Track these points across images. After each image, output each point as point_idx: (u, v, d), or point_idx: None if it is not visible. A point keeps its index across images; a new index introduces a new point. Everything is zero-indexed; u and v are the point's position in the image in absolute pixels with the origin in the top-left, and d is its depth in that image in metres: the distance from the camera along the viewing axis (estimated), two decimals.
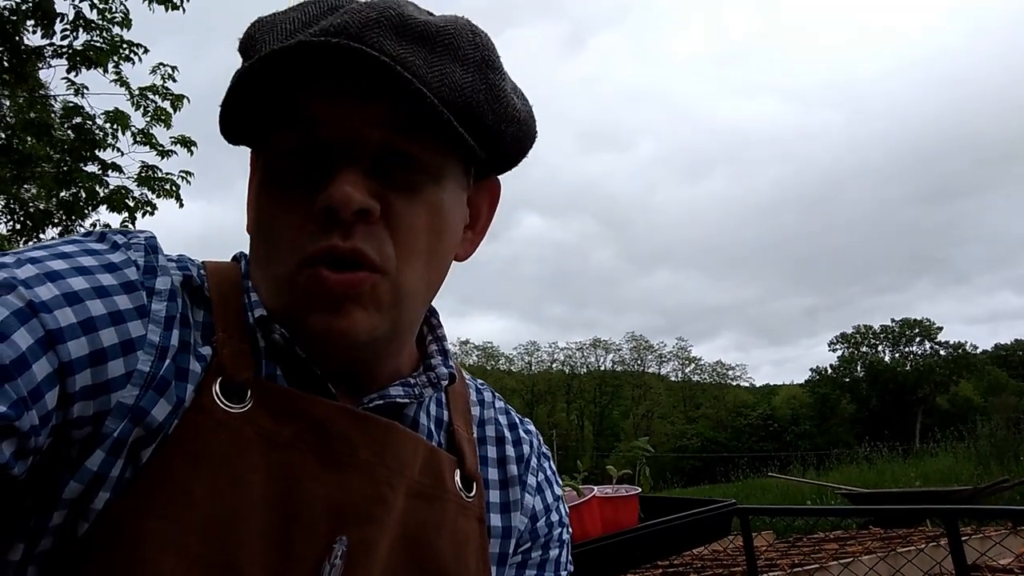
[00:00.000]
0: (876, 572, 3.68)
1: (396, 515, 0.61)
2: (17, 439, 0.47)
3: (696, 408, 64.42)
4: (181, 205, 7.51)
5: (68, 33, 6.60)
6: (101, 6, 6.77)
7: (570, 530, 0.84)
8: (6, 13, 6.18)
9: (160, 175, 7.30)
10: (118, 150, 7.24)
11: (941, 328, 59.26)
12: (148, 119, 7.31)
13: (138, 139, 7.28)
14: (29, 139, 6.91)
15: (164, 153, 7.35)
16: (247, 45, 0.64)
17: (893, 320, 60.50)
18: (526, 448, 0.80)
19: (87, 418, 0.51)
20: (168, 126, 7.37)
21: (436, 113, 0.56)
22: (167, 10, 6.92)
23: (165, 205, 7.47)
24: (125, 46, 6.94)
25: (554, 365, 67.34)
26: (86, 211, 7.22)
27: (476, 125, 0.62)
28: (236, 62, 0.63)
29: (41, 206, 7.44)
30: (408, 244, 0.60)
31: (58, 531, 0.50)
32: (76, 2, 6.63)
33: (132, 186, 7.25)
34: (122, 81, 7.15)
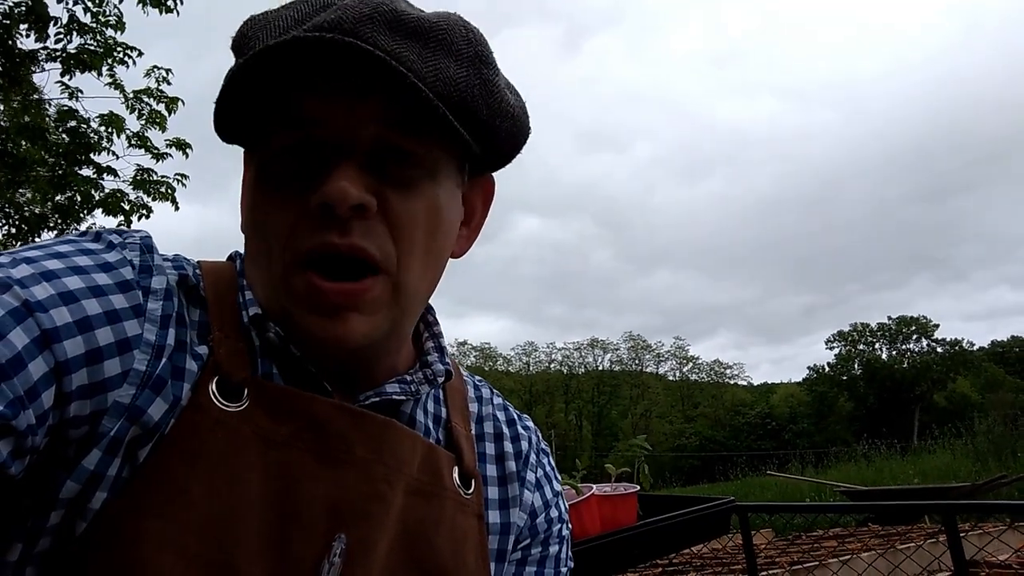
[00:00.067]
0: (875, 569, 3.69)
1: (395, 513, 0.61)
2: (14, 438, 0.47)
3: (694, 407, 64.44)
4: (177, 208, 7.51)
5: (62, 36, 6.59)
6: (95, 9, 6.76)
7: (570, 526, 0.84)
8: (0, 17, 6.17)
9: (155, 178, 7.30)
10: (113, 153, 7.25)
11: (938, 325, 59.44)
12: (143, 122, 7.31)
13: (133, 142, 7.29)
14: (24, 143, 6.90)
15: (159, 156, 7.35)
16: (240, 43, 0.64)
17: (890, 318, 60.68)
18: (524, 444, 0.80)
19: (84, 417, 0.51)
20: (163, 129, 7.37)
21: (431, 108, 0.56)
22: (161, 13, 6.91)
23: (161, 208, 7.47)
24: (119, 49, 6.94)
25: (552, 365, 67.35)
26: (81, 215, 7.21)
27: (471, 120, 0.62)
28: (230, 65, 0.63)
29: (36, 210, 7.43)
30: (407, 240, 0.60)
31: (56, 531, 0.50)
32: (70, 5, 6.62)
33: (127, 189, 7.26)
34: (116, 84, 7.15)
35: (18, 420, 0.46)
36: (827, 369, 61.12)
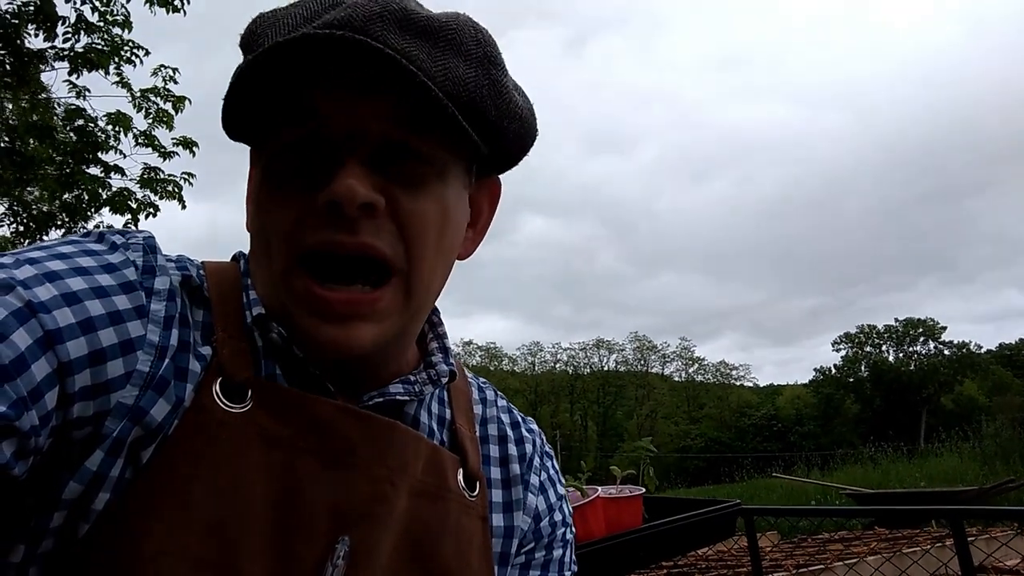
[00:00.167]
0: (881, 573, 3.67)
1: (398, 514, 0.61)
2: (17, 439, 0.46)
3: (700, 408, 64.35)
4: (184, 206, 7.54)
5: (70, 36, 6.62)
6: (102, 8, 6.79)
7: (573, 530, 0.83)
8: (8, 16, 6.20)
9: (162, 176, 7.33)
10: (120, 152, 7.29)
11: (945, 328, 59.14)
12: (150, 121, 7.35)
13: (140, 141, 7.32)
14: (32, 142, 6.94)
15: (166, 154, 7.38)
16: (249, 41, 0.64)
17: (897, 320, 60.46)
18: (528, 447, 0.79)
19: (87, 418, 0.51)
20: (170, 128, 7.40)
21: (441, 107, 0.56)
22: (168, 12, 6.94)
23: (168, 207, 7.51)
24: (126, 48, 6.97)
25: (557, 365, 67.37)
26: (89, 213, 7.25)
27: (479, 120, 0.62)
28: (237, 64, 0.62)
29: (44, 208, 7.47)
30: (418, 240, 0.60)
31: (59, 532, 0.50)
32: (78, 5, 6.66)
33: (135, 188, 7.29)
34: (124, 83, 7.18)
35: (21, 421, 0.46)
36: (833, 371, 60.96)
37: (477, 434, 0.76)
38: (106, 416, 0.51)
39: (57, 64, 6.77)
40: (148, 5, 6.82)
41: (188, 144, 7.38)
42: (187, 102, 7.41)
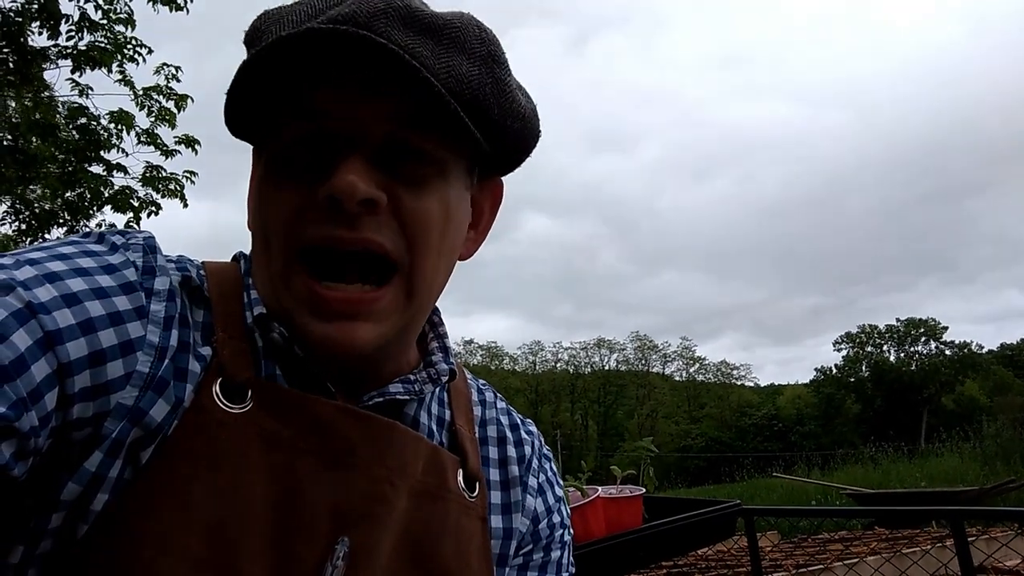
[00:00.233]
0: (881, 573, 3.67)
1: (398, 514, 0.61)
2: (17, 440, 0.46)
3: (700, 408, 64.30)
4: (185, 205, 7.54)
5: (73, 34, 6.62)
6: (106, 6, 6.79)
7: (571, 531, 0.83)
8: (12, 15, 6.20)
9: (164, 175, 7.32)
10: (122, 150, 7.28)
11: (947, 328, 59.04)
12: (152, 119, 7.34)
13: (142, 139, 7.32)
14: (34, 140, 6.94)
15: (168, 153, 7.37)
16: (253, 37, 0.64)
17: (898, 320, 60.38)
18: (527, 449, 0.79)
19: (87, 419, 0.51)
20: (172, 126, 7.40)
21: (443, 103, 0.56)
22: (171, 11, 6.94)
23: (170, 205, 7.51)
24: (129, 46, 6.97)
25: (558, 365, 67.34)
26: (91, 211, 7.24)
27: (482, 119, 0.62)
28: (240, 62, 0.62)
29: (47, 206, 7.47)
30: (421, 237, 0.60)
31: (58, 533, 0.50)
32: (81, 3, 6.65)
33: (137, 186, 7.29)
34: (126, 81, 7.18)
35: (21, 422, 0.46)
36: (834, 371, 60.91)
37: (476, 435, 0.76)
38: (106, 417, 0.51)
39: (60, 62, 6.77)
40: (151, 3, 6.83)
41: (190, 142, 7.37)
42: (189, 100, 7.41)
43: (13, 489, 0.48)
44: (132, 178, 7.29)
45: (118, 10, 6.87)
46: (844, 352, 61.45)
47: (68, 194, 7.19)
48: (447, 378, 0.69)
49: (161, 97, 7.34)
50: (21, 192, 7.32)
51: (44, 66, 6.73)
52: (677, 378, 69.20)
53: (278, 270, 0.59)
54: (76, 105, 7.06)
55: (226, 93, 0.58)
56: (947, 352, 57.67)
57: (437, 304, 0.73)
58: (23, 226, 7.49)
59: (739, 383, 68.73)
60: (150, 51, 7.15)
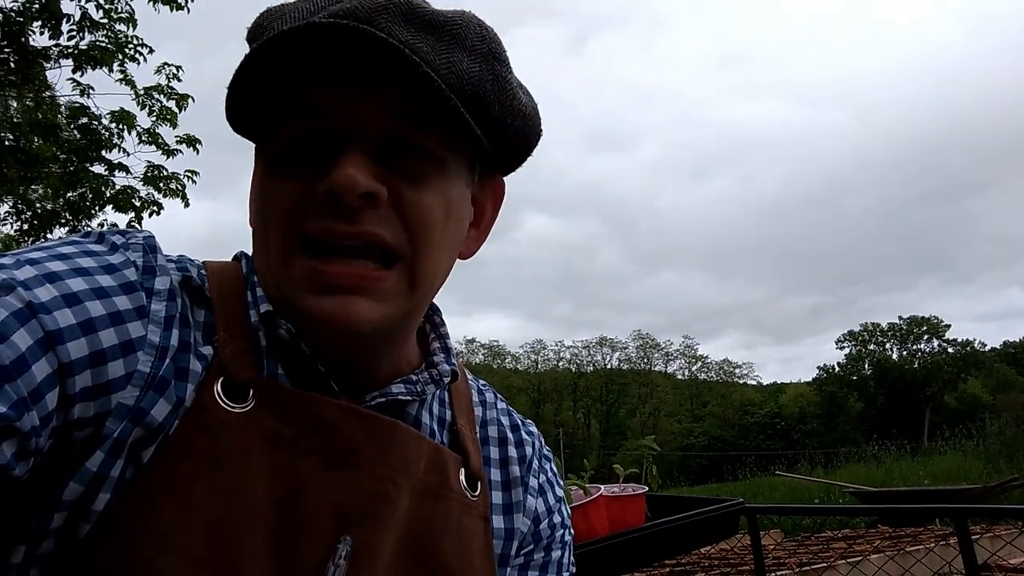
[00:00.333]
0: (885, 571, 3.66)
1: (400, 514, 0.61)
2: (18, 440, 0.46)
3: (703, 406, 64.33)
4: (187, 204, 7.54)
5: (74, 33, 6.63)
6: (107, 6, 6.80)
7: (572, 531, 0.83)
8: (13, 15, 6.21)
9: (166, 174, 7.33)
10: (124, 150, 7.28)
11: (949, 326, 59.07)
12: (154, 119, 7.35)
13: (144, 139, 7.32)
14: (36, 140, 6.95)
15: (170, 152, 7.38)
16: (255, 33, 0.64)
17: (901, 318, 60.39)
18: (528, 449, 0.79)
19: (88, 419, 0.51)
20: (174, 125, 7.41)
21: (443, 99, 0.56)
22: (172, 10, 6.94)
23: (171, 205, 7.51)
24: (131, 45, 6.97)
25: (560, 363, 67.39)
26: (93, 211, 7.25)
27: (483, 115, 0.61)
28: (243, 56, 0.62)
29: (48, 206, 7.49)
30: (422, 231, 0.59)
31: (59, 532, 0.50)
32: (82, 2, 6.66)
33: (138, 186, 7.29)
34: (127, 81, 7.18)
35: (22, 422, 0.46)
36: (837, 369, 60.89)
37: (477, 435, 0.75)
38: (107, 417, 0.51)
39: (61, 62, 6.78)
40: (152, 3, 6.83)
41: (191, 141, 7.38)
42: (190, 100, 7.41)
43: (15, 489, 0.48)
44: (134, 178, 7.31)
45: (119, 9, 6.88)
46: (847, 350, 61.54)
47: (70, 194, 7.20)
48: (449, 379, 0.68)
49: (162, 96, 7.35)
50: (23, 192, 7.34)
51: (45, 66, 6.74)
52: (679, 377, 69.25)
53: (277, 255, 0.59)
54: (77, 105, 7.08)
55: (228, 87, 0.58)
56: (950, 350, 57.67)
57: (438, 304, 0.73)
58: (25, 226, 7.51)
59: (741, 382, 68.79)
60: (151, 50, 7.17)
